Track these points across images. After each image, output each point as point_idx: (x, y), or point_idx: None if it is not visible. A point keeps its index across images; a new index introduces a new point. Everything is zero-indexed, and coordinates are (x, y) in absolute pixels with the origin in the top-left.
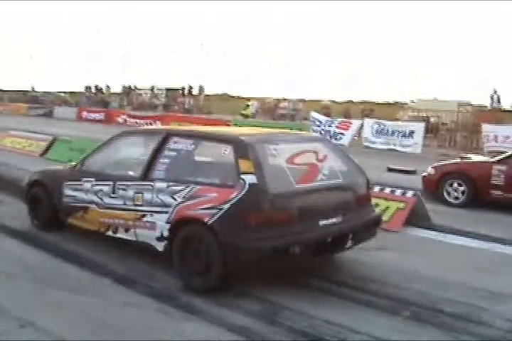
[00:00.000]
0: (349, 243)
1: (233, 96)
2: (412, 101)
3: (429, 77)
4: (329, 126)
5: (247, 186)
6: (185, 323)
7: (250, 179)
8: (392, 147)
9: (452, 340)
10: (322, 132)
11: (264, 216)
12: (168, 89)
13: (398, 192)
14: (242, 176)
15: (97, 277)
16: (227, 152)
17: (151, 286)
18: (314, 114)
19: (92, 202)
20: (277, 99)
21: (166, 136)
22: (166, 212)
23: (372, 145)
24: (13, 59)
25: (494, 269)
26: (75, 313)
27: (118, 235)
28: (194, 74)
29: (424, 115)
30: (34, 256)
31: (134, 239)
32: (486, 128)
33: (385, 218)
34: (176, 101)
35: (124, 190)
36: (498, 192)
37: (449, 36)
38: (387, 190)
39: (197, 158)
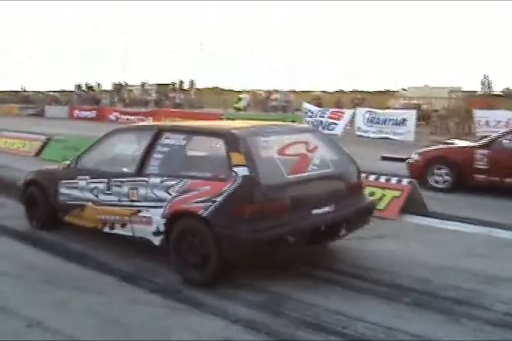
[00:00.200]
0: (343, 231)
1: (224, 90)
2: (404, 89)
3: (420, 64)
4: (321, 117)
5: (239, 178)
6: (192, 317)
7: (242, 171)
8: (384, 135)
9: (453, 324)
10: (315, 122)
11: (257, 207)
12: (158, 85)
13: (394, 180)
14: (235, 169)
15: (100, 275)
16: (218, 145)
17: (155, 282)
18: (306, 105)
19: (88, 199)
20: (268, 91)
21: (158, 132)
22: (161, 207)
23: (365, 135)
24: (12, 59)
25: (490, 254)
26: (81, 312)
27: (115, 231)
28: (194, 74)
29: (416, 102)
30: (36, 255)
31: (131, 234)
32: (478, 113)
33: (381, 206)
34: (167, 97)
35: (118, 186)
36: (481, 176)
37: (440, 23)
38: (383, 179)
39: (189, 153)
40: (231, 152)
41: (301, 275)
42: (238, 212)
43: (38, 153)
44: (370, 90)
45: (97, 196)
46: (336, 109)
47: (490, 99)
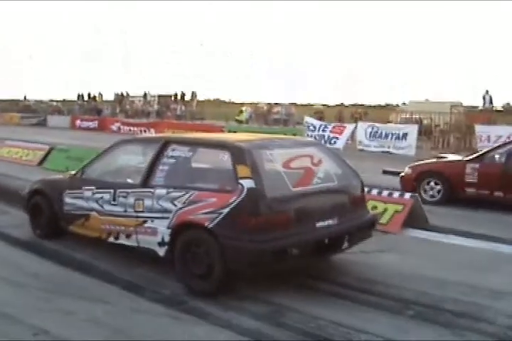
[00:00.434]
0: (345, 244)
1: (226, 102)
2: (404, 104)
3: (421, 78)
4: (323, 131)
5: (245, 190)
6: (196, 327)
7: (248, 183)
8: (386, 149)
9: (456, 338)
10: (317, 137)
11: (263, 219)
12: (160, 96)
13: (396, 194)
14: (241, 181)
15: (104, 284)
16: (224, 158)
17: (159, 292)
18: (308, 119)
19: (92, 209)
20: (270, 104)
21: (165, 144)
22: (167, 218)
23: (366, 149)
24: (12, 59)
25: (492, 268)
26: (85, 320)
27: (119, 241)
28: (194, 74)
29: (417, 117)
30: (39, 264)
31: (136, 244)
32: (479, 128)
33: (383, 220)
34: (168, 108)
35: (124, 197)
36: (472, 190)
37: (441, 38)
38: (385, 193)
39: (195, 165)
40: (237, 164)
41: (304, 287)
42: (244, 224)
43: (41, 163)
44: (370, 104)
45: (102, 206)
46: (338, 124)
47: (491, 114)
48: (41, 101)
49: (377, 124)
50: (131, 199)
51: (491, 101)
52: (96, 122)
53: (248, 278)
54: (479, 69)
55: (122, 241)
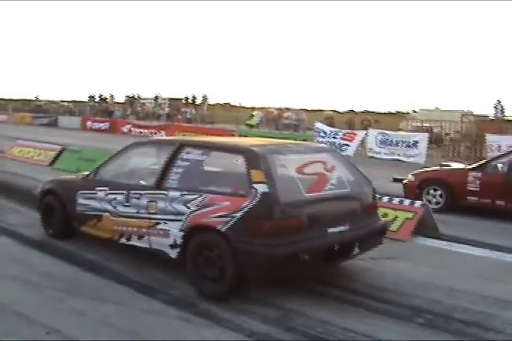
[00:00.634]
0: (356, 250)
1: (236, 106)
2: (414, 111)
3: (432, 86)
4: (334, 138)
5: (259, 195)
6: (207, 330)
7: (262, 188)
8: (396, 157)
9: None
10: (327, 143)
11: (275, 223)
12: (171, 99)
13: (407, 202)
14: (254, 185)
15: (116, 285)
16: (238, 162)
17: (170, 294)
18: (319, 125)
19: (105, 210)
20: (280, 109)
21: (180, 147)
22: (180, 220)
23: (376, 156)
24: (20, 59)
25: (500, 277)
26: (97, 321)
27: (131, 242)
28: (193, 74)
29: (427, 125)
30: (51, 264)
31: (148, 246)
32: (490, 138)
33: (393, 228)
34: (179, 111)
35: (137, 198)
36: (473, 198)
37: (454, 48)
38: (396, 200)
39: (209, 168)
40: (251, 169)
41: (314, 293)
42: (257, 228)
43: (52, 163)
44: (380, 111)
45: (115, 207)
46: (349, 131)
47: (502, 124)
48: (53, 102)
49: (387, 132)
50: (144, 201)
51: (502, 111)
52: (107, 124)
53: (259, 283)
54: (491, 78)
55: (134, 242)
